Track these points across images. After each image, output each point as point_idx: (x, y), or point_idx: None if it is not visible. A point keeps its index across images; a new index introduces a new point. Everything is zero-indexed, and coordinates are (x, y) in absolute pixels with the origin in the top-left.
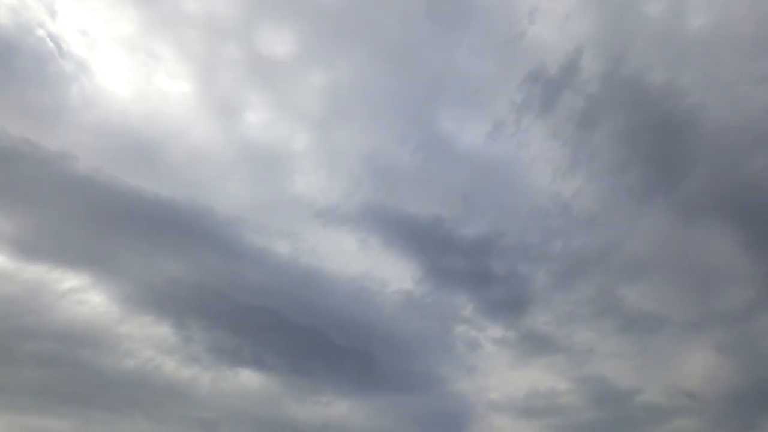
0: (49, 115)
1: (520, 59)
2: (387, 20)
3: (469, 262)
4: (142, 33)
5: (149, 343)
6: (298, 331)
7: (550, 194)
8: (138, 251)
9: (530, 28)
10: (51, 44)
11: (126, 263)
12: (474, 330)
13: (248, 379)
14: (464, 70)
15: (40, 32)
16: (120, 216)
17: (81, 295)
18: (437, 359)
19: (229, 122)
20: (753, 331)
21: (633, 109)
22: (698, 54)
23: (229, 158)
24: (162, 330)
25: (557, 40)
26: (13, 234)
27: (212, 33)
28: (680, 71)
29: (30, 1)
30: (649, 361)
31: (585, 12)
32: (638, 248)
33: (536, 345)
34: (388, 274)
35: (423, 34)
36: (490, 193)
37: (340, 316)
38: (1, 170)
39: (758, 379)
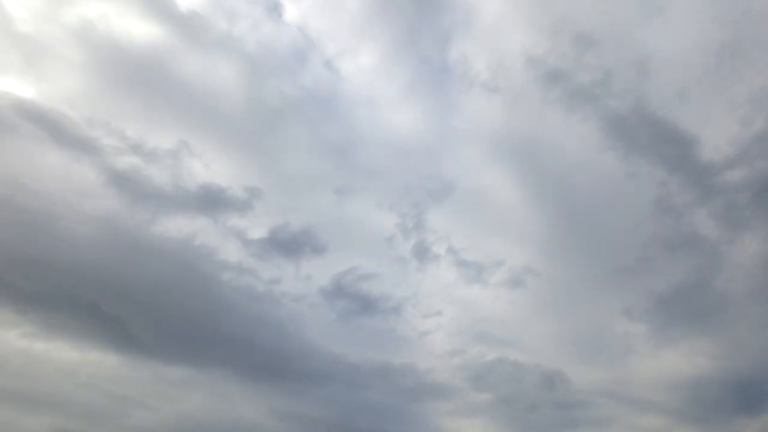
0: None
1: None
2: None
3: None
4: None
5: None
6: None
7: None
8: None
9: None
10: None
11: None
12: (253, 279)
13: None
14: None
15: None
16: None
17: None
18: (232, 319)
19: None
20: (659, 287)
21: None
22: None
23: None
24: None
25: None
26: None
27: None
28: None
29: None
30: (534, 329)
31: None
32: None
33: (358, 304)
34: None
35: None
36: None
37: None
38: None
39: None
